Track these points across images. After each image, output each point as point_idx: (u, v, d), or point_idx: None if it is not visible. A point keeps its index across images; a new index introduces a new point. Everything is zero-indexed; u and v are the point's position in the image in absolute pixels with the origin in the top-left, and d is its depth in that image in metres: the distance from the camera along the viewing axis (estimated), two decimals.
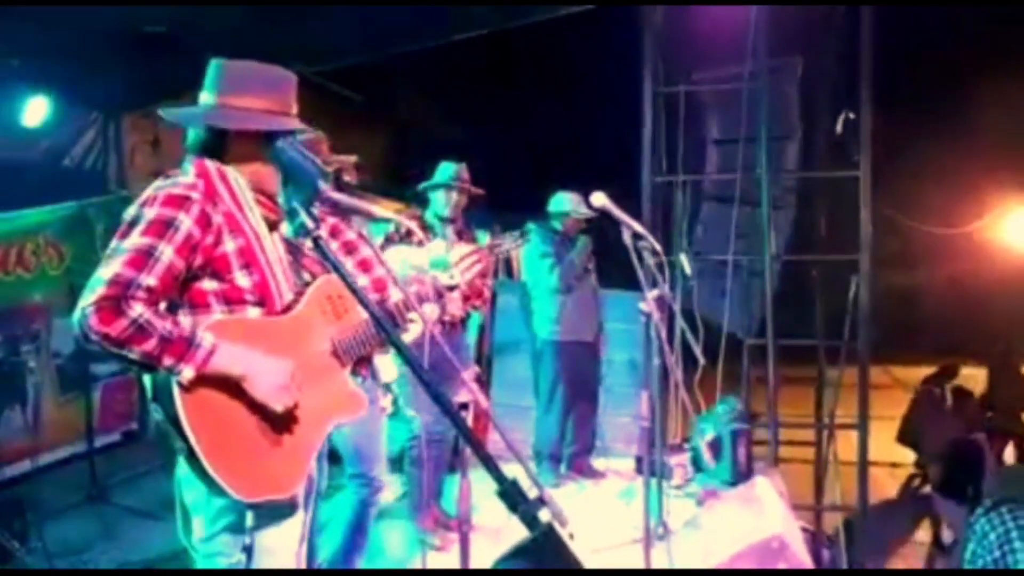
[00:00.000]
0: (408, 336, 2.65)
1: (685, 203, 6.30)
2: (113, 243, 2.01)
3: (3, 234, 5.65)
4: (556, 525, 1.67)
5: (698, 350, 4.75)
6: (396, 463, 5.05)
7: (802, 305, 6.24)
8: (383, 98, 9.64)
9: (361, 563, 3.53)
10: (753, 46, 5.50)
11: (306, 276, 2.51)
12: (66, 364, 5.99)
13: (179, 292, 2.08)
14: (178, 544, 2.24)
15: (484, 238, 4.53)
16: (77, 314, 1.91)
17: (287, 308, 2.20)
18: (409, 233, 3.63)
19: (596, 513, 4.85)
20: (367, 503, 3.45)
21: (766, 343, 5.45)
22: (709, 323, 5.79)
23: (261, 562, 2.12)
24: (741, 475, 5.10)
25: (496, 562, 1.96)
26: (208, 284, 2.10)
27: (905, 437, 7.68)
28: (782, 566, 3.57)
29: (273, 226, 2.25)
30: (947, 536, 5.99)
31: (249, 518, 2.08)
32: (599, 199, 3.41)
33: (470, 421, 2.55)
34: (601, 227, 4.35)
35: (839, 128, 6.09)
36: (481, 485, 1.99)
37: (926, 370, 8.44)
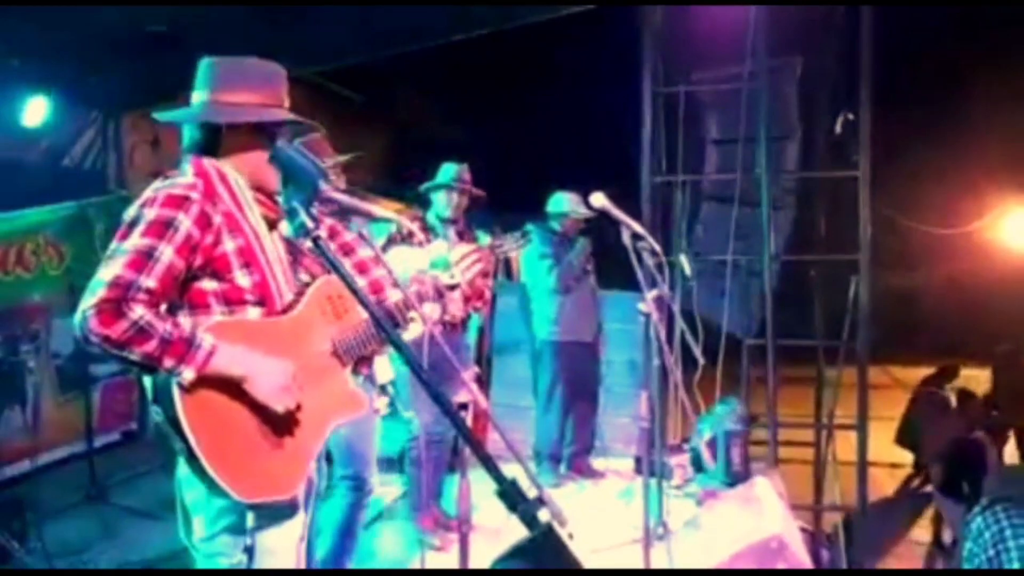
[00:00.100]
0: (408, 335, 2.65)
1: (684, 203, 6.30)
2: (113, 244, 2.01)
3: (3, 234, 5.65)
4: (555, 525, 1.67)
5: (697, 350, 4.74)
6: (396, 463, 5.06)
7: (801, 305, 6.25)
8: (383, 98, 9.65)
9: (351, 566, 3.53)
10: (752, 46, 5.51)
11: (305, 276, 2.51)
12: (66, 364, 5.99)
13: (179, 293, 2.08)
14: (177, 544, 2.24)
15: (484, 239, 4.53)
16: (78, 316, 1.91)
17: (287, 308, 2.20)
18: (411, 234, 3.63)
19: (596, 513, 4.85)
20: (357, 506, 3.44)
21: (765, 343, 5.46)
22: (708, 323, 5.78)
23: (262, 562, 2.12)
24: (735, 476, 5.09)
25: (495, 562, 1.96)
26: (208, 284, 2.10)
27: (903, 438, 7.69)
28: (781, 566, 3.57)
29: (273, 225, 2.25)
30: (947, 536, 6.00)
31: (250, 519, 2.08)
32: (598, 199, 3.41)
33: (469, 421, 2.56)
34: (600, 227, 4.35)
35: (838, 128, 6.09)
36: (481, 485, 1.99)
37: (925, 370, 8.46)
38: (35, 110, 5.61)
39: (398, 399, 2.88)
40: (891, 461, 7.86)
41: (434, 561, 4.06)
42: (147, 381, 2.04)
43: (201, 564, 2.17)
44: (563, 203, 5.43)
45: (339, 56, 6.29)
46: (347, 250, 2.98)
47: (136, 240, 1.99)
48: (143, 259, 1.97)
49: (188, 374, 1.95)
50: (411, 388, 3.77)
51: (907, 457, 7.75)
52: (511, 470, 1.72)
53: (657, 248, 3.46)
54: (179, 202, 2.04)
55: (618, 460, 5.79)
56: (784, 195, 6.08)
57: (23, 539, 4.36)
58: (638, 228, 3.40)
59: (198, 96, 2.21)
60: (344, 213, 3.04)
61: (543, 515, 1.66)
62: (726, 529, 4.10)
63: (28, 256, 5.81)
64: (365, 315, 2.19)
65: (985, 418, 7.26)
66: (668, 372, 3.77)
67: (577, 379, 5.48)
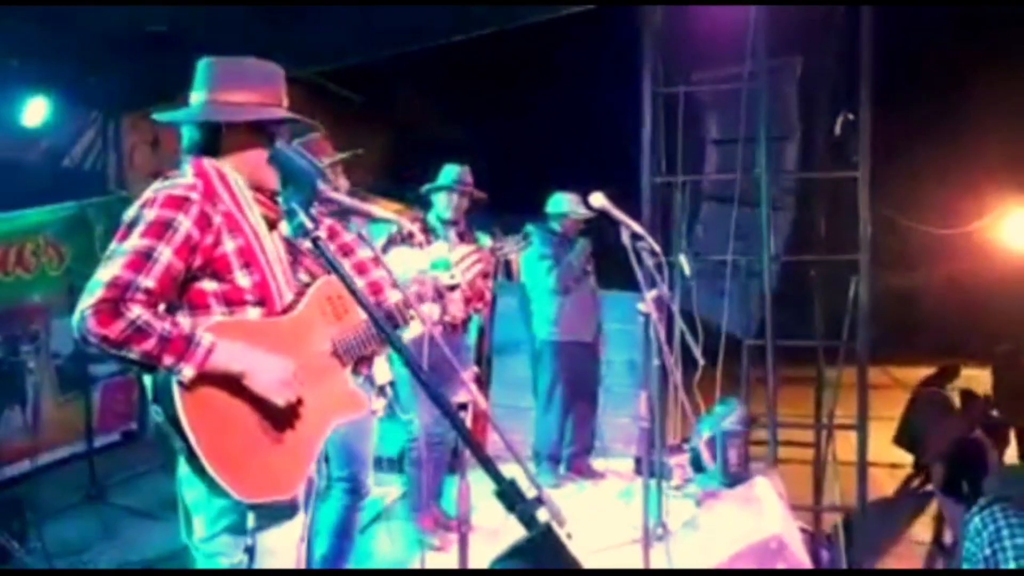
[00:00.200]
0: (406, 335, 2.65)
1: (684, 203, 6.30)
2: (112, 245, 2.01)
3: (3, 234, 5.65)
4: (554, 525, 1.68)
5: (697, 351, 4.74)
6: (396, 464, 5.06)
7: (801, 306, 6.25)
8: (383, 98, 9.66)
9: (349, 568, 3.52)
10: (752, 46, 5.51)
11: (305, 276, 2.51)
12: (65, 364, 6.00)
13: (179, 294, 2.08)
14: (178, 544, 2.24)
15: (485, 240, 4.52)
16: (76, 317, 1.92)
17: (287, 309, 2.20)
18: (411, 235, 3.63)
19: (595, 514, 4.85)
20: (352, 509, 3.43)
21: (765, 343, 5.47)
22: (708, 323, 5.78)
23: (262, 562, 2.12)
24: (732, 476, 5.07)
25: (493, 562, 1.96)
26: (208, 285, 2.10)
27: (902, 439, 7.69)
28: (781, 566, 3.57)
29: (273, 225, 2.26)
30: (948, 536, 6.00)
31: (250, 519, 2.08)
32: (598, 200, 3.41)
33: (468, 421, 2.56)
34: (600, 228, 4.35)
35: (838, 129, 6.09)
36: (480, 486, 1.99)
37: (925, 371, 8.46)
38: (35, 110, 5.62)
39: (397, 401, 2.88)
40: (891, 461, 7.86)
41: (433, 561, 4.06)
42: (147, 380, 2.04)
43: (201, 564, 2.17)
44: (563, 203, 5.43)
45: (339, 56, 6.30)
46: (347, 251, 2.98)
47: (135, 241, 1.99)
48: (142, 260, 1.97)
49: (188, 372, 1.95)
50: (411, 389, 3.77)
51: (907, 457, 7.74)
52: (511, 470, 1.72)
53: (657, 248, 3.47)
54: (179, 203, 2.04)
55: (618, 460, 5.79)
56: (784, 195, 6.08)
57: (23, 539, 4.36)
58: (638, 228, 3.40)
59: (197, 96, 2.22)
60: (344, 214, 3.04)
61: (542, 515, 1.66)
62: (725, 529, 4.10)
63: (28, 256, 5.82)
64: (365, 316, 2.19)
65: (986, 418, 7.26)
66: (668, 372, 3.77)
67: (577, 379, 5.48)
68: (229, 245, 2.10)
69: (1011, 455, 7.43)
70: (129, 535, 4.73)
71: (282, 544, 2.18)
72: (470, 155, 4.73)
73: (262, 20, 4.82)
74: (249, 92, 2.19)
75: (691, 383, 5.08)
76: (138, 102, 6.21)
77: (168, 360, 1.94)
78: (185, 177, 2.11)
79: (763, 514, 4.06)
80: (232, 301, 2.12)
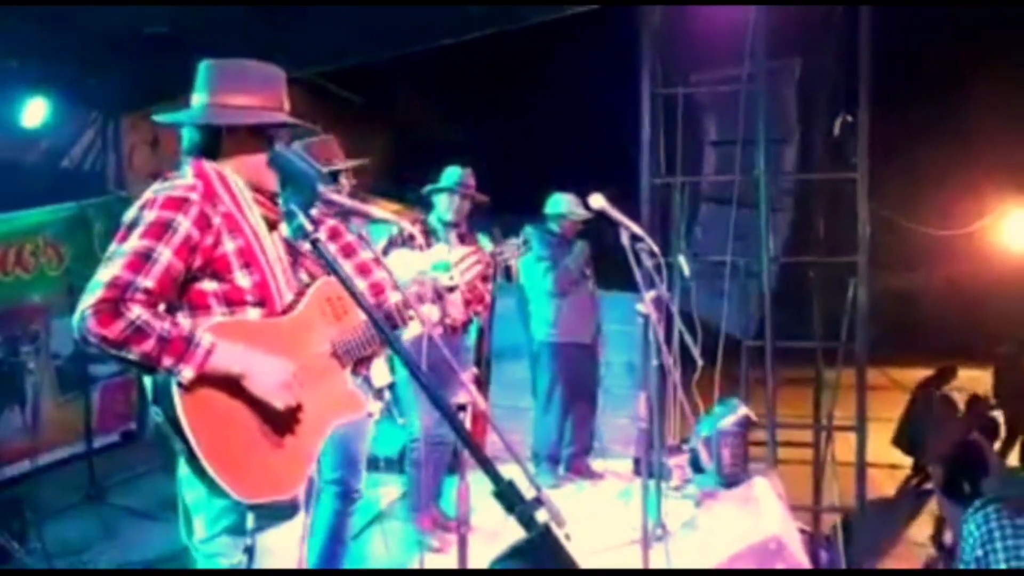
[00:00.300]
0: (405, 335, 2.65)
1: (683, 205, 6.31)
2: (112, 246, 2.02)
3: (2, 234, 5.65)
4: (553, 525, 1.68)
5: (696, 351, 4.75)
6: (396, 464, 5.07)
7: (800, 307, 6.25)
8: (383, 99, 9.66)
9: None
10: (751, 48, 5.51)
11: (305, 277, 2.51)
12: (65, 365, 6.00)
13: (179, 294, 2.08)
14: (177, 544, 2.24)
15: (485, 242, 4.53)
16: (76, 317, 1.92)
17: (287, 309, 2.21)
18: (411, 237, 3.64)
19: (594, 514, 4.85)
20: (343, 514, 3.43)
21: (764, 344, 5.47)
22: (707, 324, 5.79)
23: (262, 563, 2.12)
24: (727, 476, 5.06)
25: (492, 563, 1.96)
26: (208, 285, 2.11)
27: (900, 441, 7.70)
28: (780, 567, 3.58)
29: (273, 226, 2.26)
30: (948, 537, 6.01)
31: (250, 519, 2.08)
32: (597, 201, 3.42)
33: (467, 422, 2.56)
34: (599, 229, 4.36)
35: (837, 130, 6.10)
36: (480, 487, 1.99)
37: (924, 372, 8.48)
38: (35, 111, 5.62)
39: (395, 404, 2.88)
40: (890, 462, 7.88)
41: (433, 562, 4.06)
42: (147, 381, 2.04)
43: (201, 564, 2.18)
44: (561, 204, 5.43)
45: (339, 57, 6.30)
46: (348, 252, 2.98)
47: (135, 242, 2.00)
48: (141, 260, 1.98)
49: (187, 372, 1.95)
50: (412, 391, 3.77)
51: (906, 458, 7.76)
52: (510, 471, 1.73)
53: (656, 249, 3.48)
54: (178, 204, 2.05)
55: (617, 461, 5.79)
56: (783, 196, 6.10)
57: (23, 539, 4.36)
58: (637, 229, 3.41)
59: (198, 98, 2.22)
60: (344, 215, 3.04)
61: (541, 516, 1.67)
62: (724, 530, 4.11)
63: (27, 257, 5.82)
64: (364, 317, 2.19)
65: (984, 419, 7.28)
66: (667, 373, 3.78)
67: (576, 380, 5.48)
68: (229, 245, 2.11)
69: (1011, 457, 7.45)
70: (129, 535, 4.73)
71: (282, 544, 2.18)
72: (470, 155, 4.73)
73: (262, 21, 4.83)
74: (250, 95, 2.20)
75: (690, 384, 5.10)
76: (138, 103, 6.22)
77: (167, 361, 1.95)
78: (185, 178, 2.12)
79: (762, 515, 4.07)
80: (232, 301, 2.12)
